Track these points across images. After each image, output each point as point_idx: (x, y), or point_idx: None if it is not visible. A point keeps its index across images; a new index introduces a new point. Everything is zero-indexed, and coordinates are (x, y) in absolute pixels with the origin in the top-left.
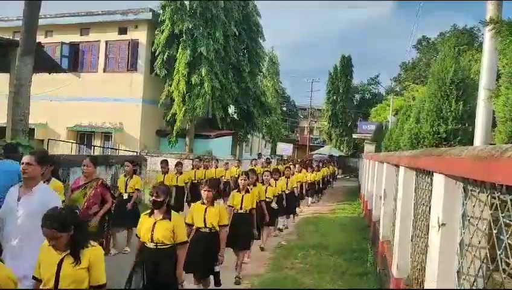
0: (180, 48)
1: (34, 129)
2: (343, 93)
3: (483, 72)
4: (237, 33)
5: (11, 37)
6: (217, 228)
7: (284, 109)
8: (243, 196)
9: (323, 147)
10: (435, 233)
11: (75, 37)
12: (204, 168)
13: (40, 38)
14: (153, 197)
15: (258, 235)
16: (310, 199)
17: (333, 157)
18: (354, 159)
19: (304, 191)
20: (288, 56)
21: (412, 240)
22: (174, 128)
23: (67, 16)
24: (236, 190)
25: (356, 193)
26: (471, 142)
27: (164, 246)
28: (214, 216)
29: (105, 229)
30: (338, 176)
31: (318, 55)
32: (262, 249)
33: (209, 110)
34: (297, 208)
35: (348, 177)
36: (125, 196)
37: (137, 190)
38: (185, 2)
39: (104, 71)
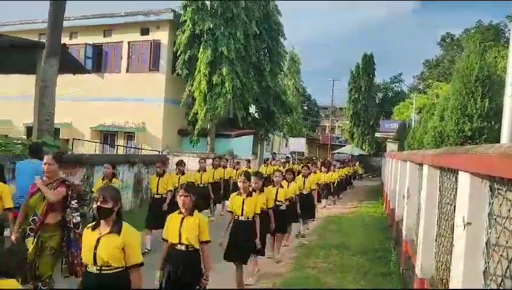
0: (201, 47)
1: (59, 129)
2: (365, 92)
3: (510, 69)
4: (258, 32)
5: (37, 39)
6: (195, 245)
7: (305, 108)
8: (243, 200)
9: (344, 146)
10: (460, 232)
11: (99, 39)
12: (214, 167)
13: (65, 39)
14: (99, 203)
15: (261, 249)
16: (324, 201)
17: (354, 157)
18: (376, 158)
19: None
20: (309, 55)
21: (436, 240)
22: (196, 127)
23: (90, 18)
24: (236, 193)
25: (378, 192)
26: (497, 141)
27: (110, 271)
28: (191, 230)
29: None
30: (361, 176)
31: (339, 54)
32: (278, 261)
33: (230, 110)
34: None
35: (370, 176)
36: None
37: (170, 190)
38: (206, 2)
39: (127, 72)
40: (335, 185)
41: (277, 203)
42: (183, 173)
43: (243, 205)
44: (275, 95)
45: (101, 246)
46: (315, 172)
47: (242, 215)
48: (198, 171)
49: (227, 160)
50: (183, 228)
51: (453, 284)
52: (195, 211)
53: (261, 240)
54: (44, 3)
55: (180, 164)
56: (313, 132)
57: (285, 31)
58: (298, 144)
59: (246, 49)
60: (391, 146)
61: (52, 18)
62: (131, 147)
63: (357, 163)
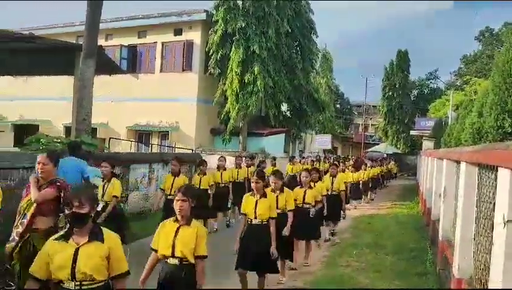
0: (233, 46)
1: (96, 129)
2: (399, 89)
3: None
4: (290, 30)
5: (74, 41)
6: (190, 259)
7: (338, 106)
8: (256, 201)
9: (378, 144)
10: (500, 231)
11: (133, 40)
12: (236, 166)
13: (101, 41)
14: (74, 208)
15: (279, 257)
16: (354, 202)
17: (389, 156)
18: (411, 156)
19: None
20: (342, 53)
21: (474, 239)
22: (228, 126)
23: (125, 20)
24: (250, 193)
25: (414, 191)
26: None
27: (92, 285)
28: (187, 242)
29: None
30: (396, 175)
31: (373, 52)
32: (307, 264)
33: (262, 108)
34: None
35: (405, 175)
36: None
37: (211, 185)
38: (238, 1)
39: (161, 72)
40: (365, 184)
41: (305, 206)
42: (204, 174)
43: (256, 206)
44: (307, 93)
45: (81, 259)
46: (344, 171)
47: (255, 218)
48: (218, 169)
49: (252, 158)
50: (178, 239)
51: (493, 284)
52: (193, 220)
53: (283, 247)
54: (82, 3)
55: (202, 163)
56: (346, 131)
57: (318, 29)
58: (324, 141)
59: (277, 47)
60: (427, 144)
61: (89, 20)
62: (165, 146)
63: (392, 162)
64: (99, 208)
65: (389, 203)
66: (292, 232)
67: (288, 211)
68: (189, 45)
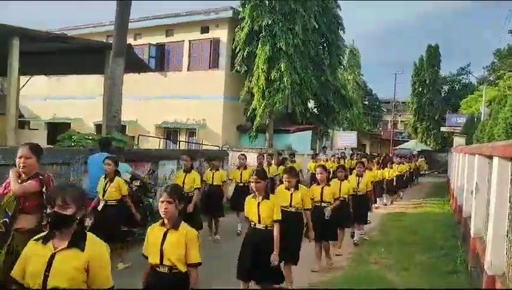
0: (259, 44)
1: (125, 126)
2: (429, 85)
3: None
4: (316, 26)
5: (104, 40)
6: (181, 268)
7: (366, 102)
8: (258, 203)
9: (407, 141)
10: None
11: (161, 38)
12: (258, 165)
13: (130, 40)
14: (56, 207)
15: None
16: (378, 200)
17: (419, 153)
18: (442, 154)
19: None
20: (370, 49)
21: (507, 235)
22: (254, 123)
23: (153, 19)
24: (251, 195)
25: (444, 188)
26: None
27: None
28: (176, 248)
29: None
30: (425, 172)
31: (402, 47)
32: (330, 265)
33: (289, 105)
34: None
35: (435, 172)
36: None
37: (224, 182)
38: None
39: (188, 70)
40: (390, 182)
41: (322, 204)
42: (217, 169)
43: (258, 209)
44: (334, 89)
45: (55, 267)
46: (370, 169)
47: (259, 222)
48: (238, 168)
49: (279, 154)
50: (165, 245)
51: None
52: (183, 223)
53: (289, 250)
54: (111, 4)
55: (215, 159)
56: (374, 128)
57: (346, 24)
58: (349, 138)
59: (304, 43)
60: (458, 140)
61: (118, 19)
62: (192, 143)
63: (421, 159)
64: (99, 208)
65: (419, 200)
66: (299, 233)
67: (305, 210)
68: (215, 42)
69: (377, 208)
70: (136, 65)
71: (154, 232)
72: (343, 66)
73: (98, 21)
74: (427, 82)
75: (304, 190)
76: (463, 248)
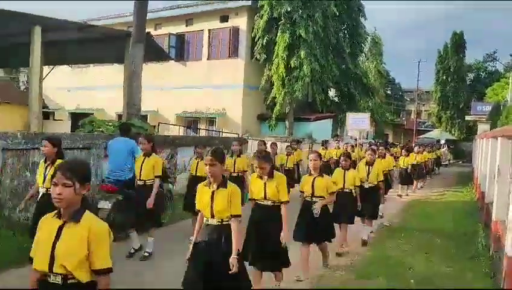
0: (279, 31)
1: (146, 116)
2: (454, 73)
3: None
4: (337, 13)
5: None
6: (227, 220)
7: (389, 92)
8: (265, 183)
9: (431, 131)
10: None
11: (181, 28)
12: (274, 153)
13: (150, 30)
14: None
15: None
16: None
17: (442, 142)
18: (466, 143)
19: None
20: (393, 37)
21: None
22: (274, 112)
23: (173, 9)
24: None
25: (468, 178)
26: None
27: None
28: (222, 204)
29: None
30: (449, 162)
31: (426, 35)
32: (341, 252)
33: (309, 93)
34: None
35: (460, 162)
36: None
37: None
38: None
39: (208, 59)
40: (407, 171)
41: (314, 199)
42: (238, 156)
43: (265, 188)
44: (355, 77)
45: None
46: (383, 156)
47: (266, 198)
48: (231, 156)
49: (298, 142)
50: (214, 202)
51: None
52: (229, 182)
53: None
54: None
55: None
56: (397, 117)
57: (368, 11)
58: (361, 120)
59: (324, 31)
60: (483, 127)
61: (137, 5)
62: (212, 130)
63: (444, 148)
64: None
65: (441, 189)
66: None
67: (281, 203)
68: (235, 31)
69: (400, 196)
70: (156, 53)
71: (203, 190)
72: (365, 53)
73: (119, 12)
74: (451, 70)
75: (280, 178)
76: (485, 233)
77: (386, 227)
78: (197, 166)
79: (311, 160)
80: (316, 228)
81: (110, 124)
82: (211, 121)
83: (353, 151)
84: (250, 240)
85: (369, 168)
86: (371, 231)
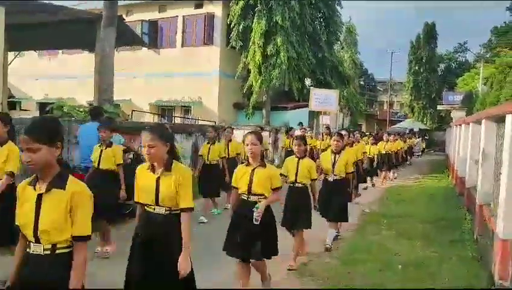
0: (255, 18)
1: (119, 105)
2: (426, 63)
3: None
4: (313, 1)
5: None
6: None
7: (362, 82)
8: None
9: (404, 120)
10: None
11: (154, 15)
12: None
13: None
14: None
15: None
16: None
17: (419, 131)
18: (438, 132)
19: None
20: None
21: None
22: (251, 100)
23: None
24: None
25: (442, 166)
26: None
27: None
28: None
29: None
30: (422, 152)
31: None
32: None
33: (286, 82)
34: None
35: (432, 151)
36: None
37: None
38: None
39: (182, 46)
40: (374, 162)
41: (251, 198)
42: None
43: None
44: (331, 66)
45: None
46: (351, 144)
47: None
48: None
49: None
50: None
51: None
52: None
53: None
54: None
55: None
56: (370, 108)
57: (344, 3)
58: (327, 98)
59: (301, 18)
60: (458, 114)
61: None
62: (188, 118)
63: (418, 138)
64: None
65: (416, 177)
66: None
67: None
68: (210, 17)
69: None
70: (128, 38)
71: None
72: (340, 42)
73: None
74: (423, 60)
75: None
76: (468, 217)
77: (367, 213)
78: (209, 151)
79: (247, 144)
80: (252, 240)
81: (80, 109)
82: (186, 110)
83: (323, 140)
84: None
85: (335, 157)
86: (338, 235)
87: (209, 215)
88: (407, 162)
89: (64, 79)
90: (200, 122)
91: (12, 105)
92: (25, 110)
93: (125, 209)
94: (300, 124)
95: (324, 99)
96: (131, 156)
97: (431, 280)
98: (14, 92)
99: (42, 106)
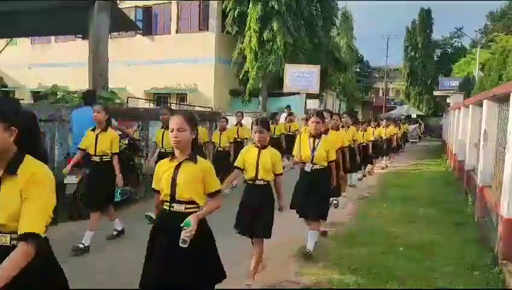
0: (251, 3)
1: (115, 92)
2: (422, 49)
3: None
4: None
5: None
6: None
7: (358, 70)
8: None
9: (400, 106)
10: None
11: (148, 1)
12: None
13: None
14: None
15: None
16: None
17: (411, 117)
18: (434, 118)
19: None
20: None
21: None
22: (247, 86)
23: None
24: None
25: (439, 151)
26: None
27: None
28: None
29: None
30: (419, 138)
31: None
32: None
33: (282, 69)
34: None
35: (428, 137)
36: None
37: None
38: None
39: (177, 32)
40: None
41: (175, 206)
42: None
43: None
44: (327, 51)
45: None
46: (336, 128)
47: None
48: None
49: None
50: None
51: None
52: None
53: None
54: None
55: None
56: (365, 95)
57: None
58: (306, 76)
59: (297, 2)
60: (456, 98)
61: None
62: (184, 104)
63: (414, 124)
64: None
65: (413, 162)
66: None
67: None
68: (205, 3)
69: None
70: (122, 23)
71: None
72: (336, 27)
73: None
74: (419, 46)
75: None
76: (468, 200)
77: (366, 198)
78: (220, 137)
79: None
80: (181, 264)
81: (75, 95)
82: (182, 97)
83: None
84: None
85: (314, 142)
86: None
87: None
88: (401, 150)
89: (58, 67)
90: (196, 109)
91: (5, 95)
92: (19, 99)
93: (121, 195)
94: (288, 107)
95: (302, 76)
96: (126, 141)
97: (434, 260)
98: (6, 81)
99: (36, 95)
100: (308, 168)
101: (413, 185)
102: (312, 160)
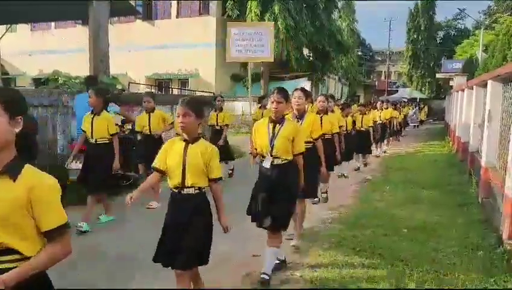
0: None
1: (116, 77)
2: (425, 31)
3: None
4: None
5: None
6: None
7: (360, 53)
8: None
9: (403, 89)
10: None
11: None
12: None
13: None
14: None
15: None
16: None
17: (414, 100)
18: (437, 101)
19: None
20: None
21: None
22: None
23: None
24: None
25: (441, 134)
26: None
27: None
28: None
29: None
30: (420, 123)
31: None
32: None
33: (284, 51)
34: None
35: (431, 120)
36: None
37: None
38: None
39: (177, 17)
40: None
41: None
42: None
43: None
44: (329, 34)
45: None
46: (326, 112)
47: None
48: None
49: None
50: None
51: None
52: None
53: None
54: None
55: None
56: (368, 78)
57: None
58: (253, 35)
59: None
60: (459, 80)
61: None
62: (185, 89)
63: (415, 108)
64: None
65: (416, 144)
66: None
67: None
68: None
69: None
70: (121, 8)
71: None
72: (338, 9)
73: None
74: (422, 28)
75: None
76: (472, 181)
77: (369, 180)
78: (217, 118)
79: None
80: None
81: (76, 80)
82: (184, 82)
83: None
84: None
85: (274, 129)
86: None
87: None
88: (401, 134)
89: (59, 54)
90: (198, 94)
91: (7, 82)
92: (21, 86)
93: (124, 180)
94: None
95: (249, 38)
96: (129, 126)
97: (437, 242)
98: (7, 68)
99: (38, 82)
100: (266, 163)
101: (416, 167)
102: (271, 152)
